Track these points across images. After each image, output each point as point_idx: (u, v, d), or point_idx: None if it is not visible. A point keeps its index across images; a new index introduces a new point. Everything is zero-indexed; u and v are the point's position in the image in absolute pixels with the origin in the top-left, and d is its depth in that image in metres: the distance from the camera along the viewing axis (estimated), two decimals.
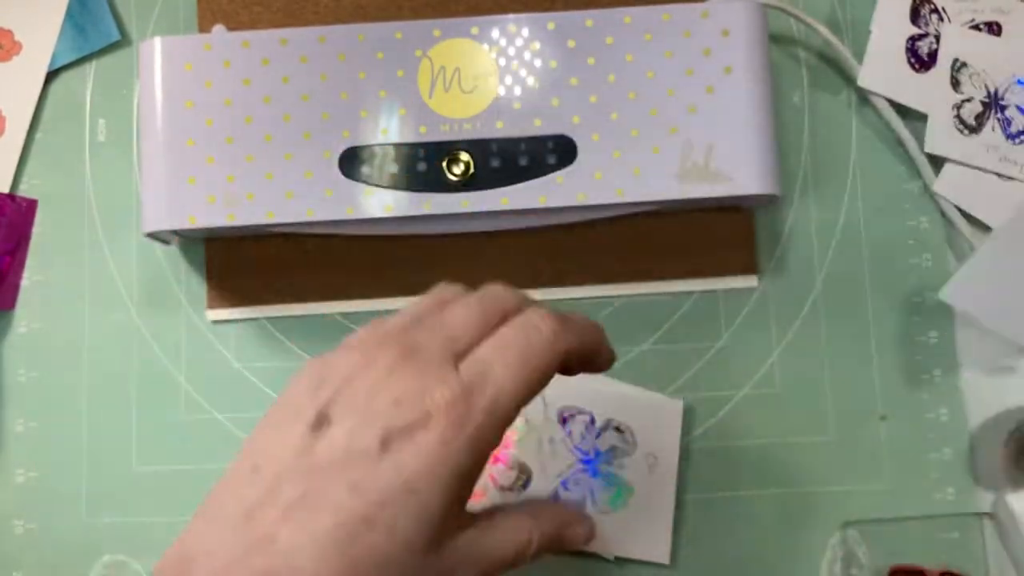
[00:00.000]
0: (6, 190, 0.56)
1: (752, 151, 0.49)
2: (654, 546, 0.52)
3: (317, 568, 0.27)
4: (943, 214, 0.55)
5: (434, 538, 0.30)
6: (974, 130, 0.54)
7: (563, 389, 0.54)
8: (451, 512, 0.30)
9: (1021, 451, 0.52)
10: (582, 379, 0.42)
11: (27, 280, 0.56)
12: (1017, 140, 0.54)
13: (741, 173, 0.49)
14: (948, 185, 0.54)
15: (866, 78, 0.55)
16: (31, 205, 0.56)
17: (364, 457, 0.29)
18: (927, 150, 0.54)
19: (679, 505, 0.53)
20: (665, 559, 0.52)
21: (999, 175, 0.54)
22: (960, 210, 0.54)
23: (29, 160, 0.57)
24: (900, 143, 0.55)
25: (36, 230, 0.56)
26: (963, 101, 0.54)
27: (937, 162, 0.55)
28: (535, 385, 0.33)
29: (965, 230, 0.54)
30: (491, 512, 0.35)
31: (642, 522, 0.52)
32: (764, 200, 0.53)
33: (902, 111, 0.55)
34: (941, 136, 0.54)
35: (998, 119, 0.54)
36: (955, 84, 0.54)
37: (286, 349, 0.55)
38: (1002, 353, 0.54)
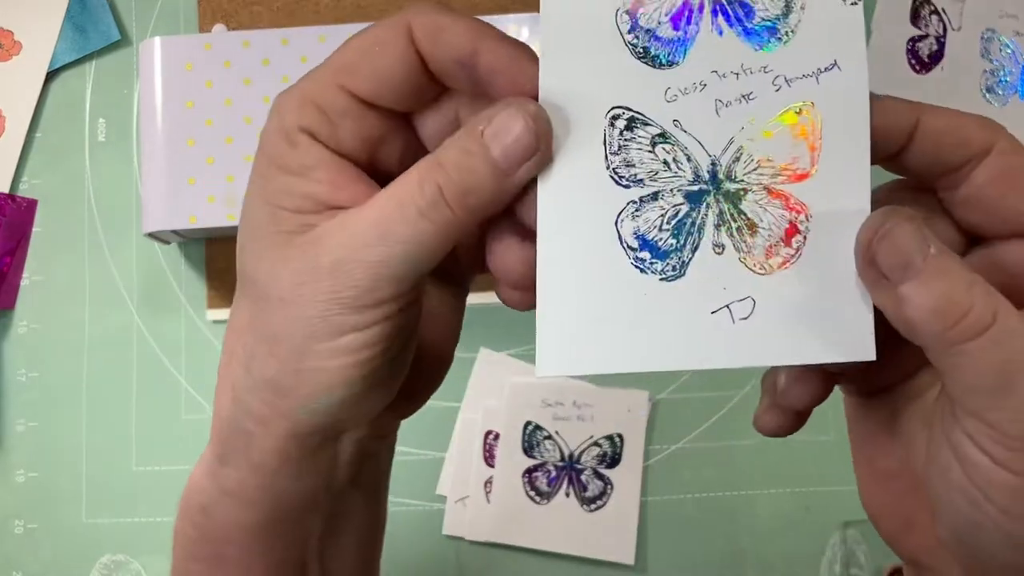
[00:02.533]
0: (6, 190, 0.56)
1: None
2: (619, 547, 0.52)
3: None
4: None
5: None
6: None
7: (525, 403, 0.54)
8: None
9: None
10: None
11: (27, 280, 0.56)
12: None
13: None
14: None
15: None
16: (31, 205, 0.56)
17: None
18: None
19: (679, 504, 0.53)
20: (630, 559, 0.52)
21: None
22: None
23: (29, 160, 0.57)
24: None
25: (36, 230, 0.56)
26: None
27: None
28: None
29: None
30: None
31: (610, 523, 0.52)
32: None
33: None
34: None
35: None
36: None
37: None
38: None
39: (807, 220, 0.26)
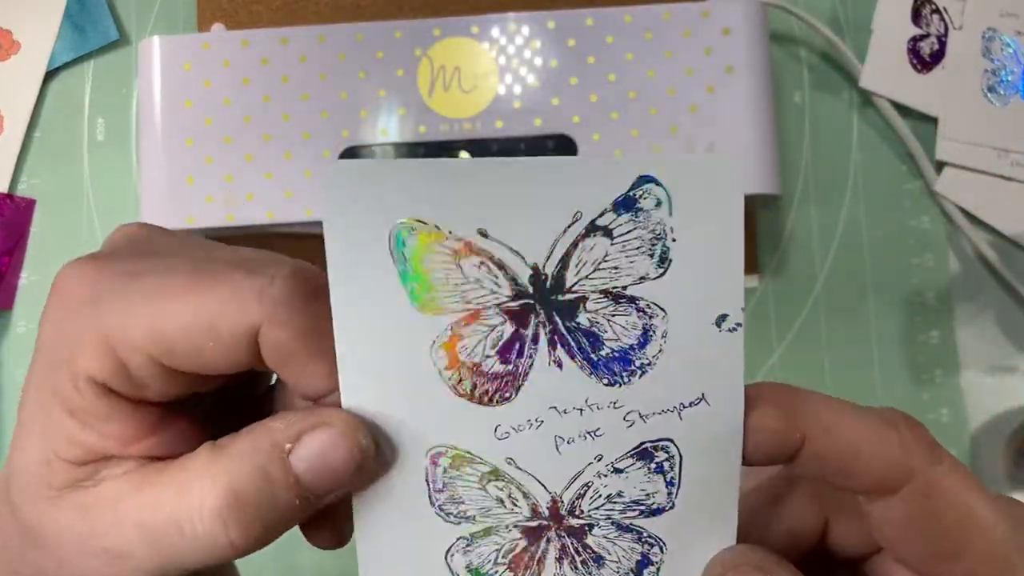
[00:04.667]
0: (4, 190, 0.56)
1: (753, 151, 0.49)
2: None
3: None
4: (944, 214, 0.55)
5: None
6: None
7: None
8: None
9: (1022, 452, 0.52)
10: None
11: (25, 280, 0.56)
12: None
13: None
14: (949, 185, 0.54)
15: (868, 78, 0.55)
16: (29, 205, 0.56)
17: None
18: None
19: None
20: None
21: (1002, 176, 0.54)
22: (962, 210, 0.54)
23: (27, 160, 0.56)
24: (902, 143, 0.55)
25: (34, 230, 0.56)
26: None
27: (939, 163, 0.55)
28: None
29: (967, 230, 0.54)
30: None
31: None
32: (765, 200, 0.52)
33: (904, 111, 0.55)
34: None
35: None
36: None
37: None
38: (1003, 353, 0.54)
39: (661, 553, 0.24)
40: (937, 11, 0.56)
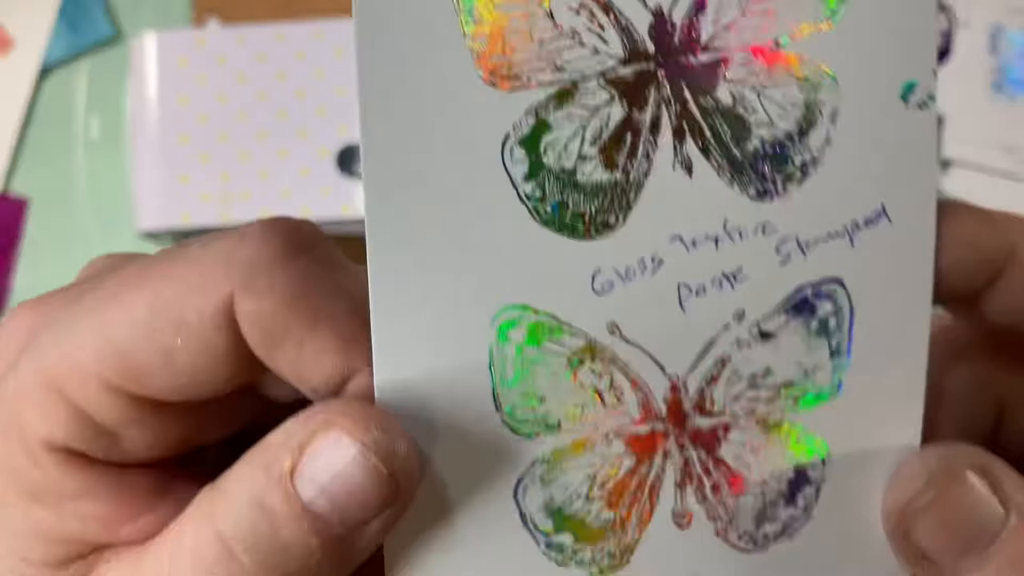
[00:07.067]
0: None
1: None
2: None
3: None
4: None
5: None
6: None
7: None
8: None
9: None
10: None
11: (18, 280, 0.55)
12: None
13: None
14: (956, 182, 0.54)
15: None
16: (23, 204, 0.55)
17: None
18: None
19: None
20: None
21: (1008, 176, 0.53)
22: None
23: (21, 158, 0.56)
24: None
25: (28, 229, 0.55)
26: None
27: (945, 160, 0.54)
28: None
29: None
30: None
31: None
32: None
33: None
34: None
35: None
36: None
37: None
38: None
39: (822, 465, 0.18)
40: (943, 7, 0.55)
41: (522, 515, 0.17)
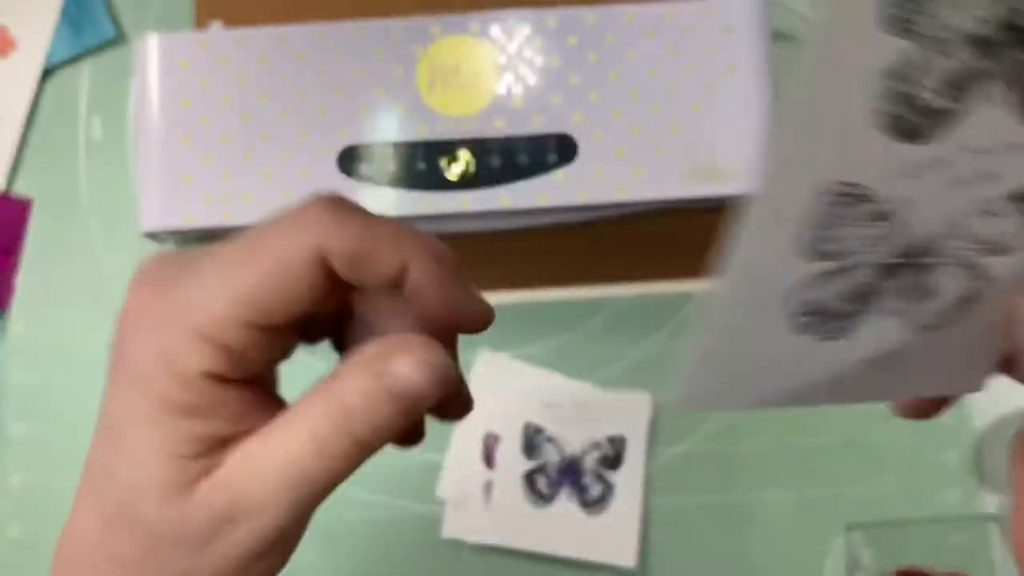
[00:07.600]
0: (1, 189, 0.55)
1: (755, 150, 0.49)
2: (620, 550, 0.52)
3: None
4: None
5: None
6: None
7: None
8: None
9: None
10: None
11: (22, 280, 0.55)
12: None
13: (744, 172, 0.49)
14: None
15: None
16: (26, 205, 0.56)
17: None
18: None
19: (683, 507, 0.52)
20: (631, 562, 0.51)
21: None
22: None
23: (24, 159, 0.56)
24: None
25: (31, 229, 0.56)
26: None
27: None
28: None
29: None
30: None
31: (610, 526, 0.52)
32: None
33: None
34: None
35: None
36: None
37: None
38: None
39: (987, 286, 0.24)
40: None
41: (786, 304, 0.23)
